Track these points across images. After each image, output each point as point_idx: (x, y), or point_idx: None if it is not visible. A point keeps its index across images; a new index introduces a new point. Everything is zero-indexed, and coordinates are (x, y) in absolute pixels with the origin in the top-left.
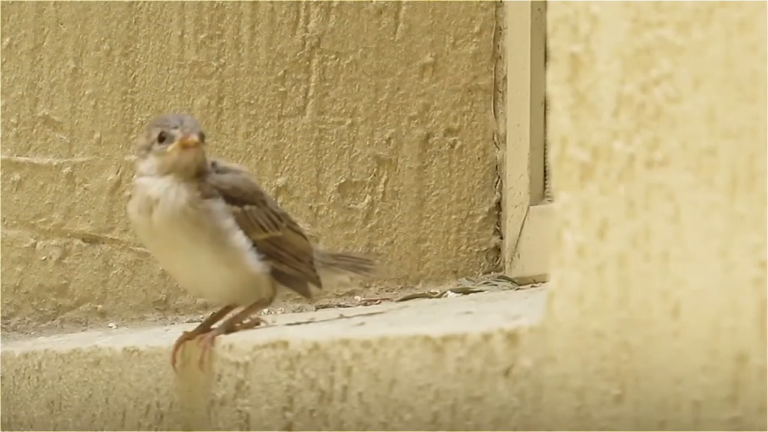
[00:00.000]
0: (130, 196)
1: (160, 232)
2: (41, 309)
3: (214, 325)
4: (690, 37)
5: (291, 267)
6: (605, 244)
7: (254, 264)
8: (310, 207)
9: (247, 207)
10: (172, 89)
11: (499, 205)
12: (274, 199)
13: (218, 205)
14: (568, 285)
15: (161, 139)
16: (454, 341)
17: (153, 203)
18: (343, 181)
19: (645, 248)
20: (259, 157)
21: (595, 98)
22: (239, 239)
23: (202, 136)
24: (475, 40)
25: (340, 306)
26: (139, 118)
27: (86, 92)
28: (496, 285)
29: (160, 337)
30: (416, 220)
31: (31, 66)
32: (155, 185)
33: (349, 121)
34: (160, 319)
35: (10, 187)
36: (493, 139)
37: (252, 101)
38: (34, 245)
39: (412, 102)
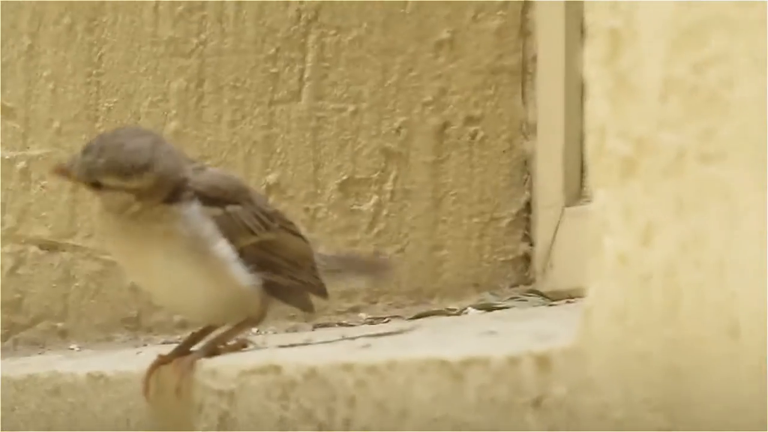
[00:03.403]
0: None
1: (128, 254)
2: None
3: (194, 347)
4: (748, 13)
5: (287, 276)
6: (651, 250)
7: (241, 276)
8: (307, 209)
9: (229, 208)
10: (145, 70)
11: (528, 206)
12: (264, 197)
13: (192, 209)
14: (607, 299)
15: None
16: (476, 366)
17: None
18: (345, 178)
19: (697, 255)
20: (247, 150)
21: (638, 81)
22: (222, 248)
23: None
24: (499, 12)
25: (341, 325)
26: (106, 104)
27: (44, 74)
28: (524, 300)
29: (131, 361)
30: (431, 224)
31: None
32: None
33: (352, 107)
34: (130, 339)
35: None
36: (521, 128)
37: (238, 84)
38: None
39: (425, 85)
